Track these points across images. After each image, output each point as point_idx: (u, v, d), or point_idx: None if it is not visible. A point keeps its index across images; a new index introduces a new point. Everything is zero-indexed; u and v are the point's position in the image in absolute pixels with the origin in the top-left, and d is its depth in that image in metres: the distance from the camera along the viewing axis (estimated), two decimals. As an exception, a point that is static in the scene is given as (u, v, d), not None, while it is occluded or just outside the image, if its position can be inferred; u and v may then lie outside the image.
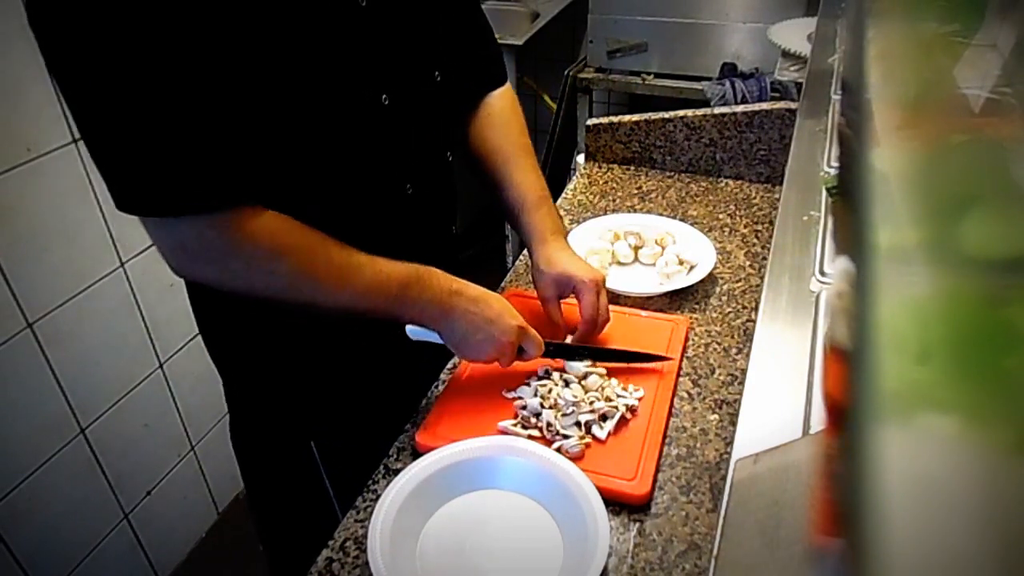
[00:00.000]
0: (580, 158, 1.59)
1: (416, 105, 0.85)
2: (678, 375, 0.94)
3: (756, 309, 0.87)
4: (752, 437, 0.56)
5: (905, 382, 0.26)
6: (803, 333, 0.67)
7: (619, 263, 1.18)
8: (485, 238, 2.61)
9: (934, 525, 0.21)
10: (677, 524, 0.76)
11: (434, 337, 0.85)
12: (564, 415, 0.84)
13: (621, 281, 1.11)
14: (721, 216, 1.31)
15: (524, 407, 0.86)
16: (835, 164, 0.94)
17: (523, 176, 0.98)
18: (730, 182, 1.43)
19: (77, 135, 1.35)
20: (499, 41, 1.04)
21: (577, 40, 2.69)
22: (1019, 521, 0.21)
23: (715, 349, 1.00)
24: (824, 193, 0.89)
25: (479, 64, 1.01)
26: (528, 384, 0.90)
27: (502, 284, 1.16)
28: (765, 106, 1.39)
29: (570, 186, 1.45)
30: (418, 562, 0.72)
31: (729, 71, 1.94)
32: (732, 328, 1.03)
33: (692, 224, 1.24)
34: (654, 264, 1.16)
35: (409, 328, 0.85)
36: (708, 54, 2.11)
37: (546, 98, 2.72)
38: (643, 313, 1.04)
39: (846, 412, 0.27)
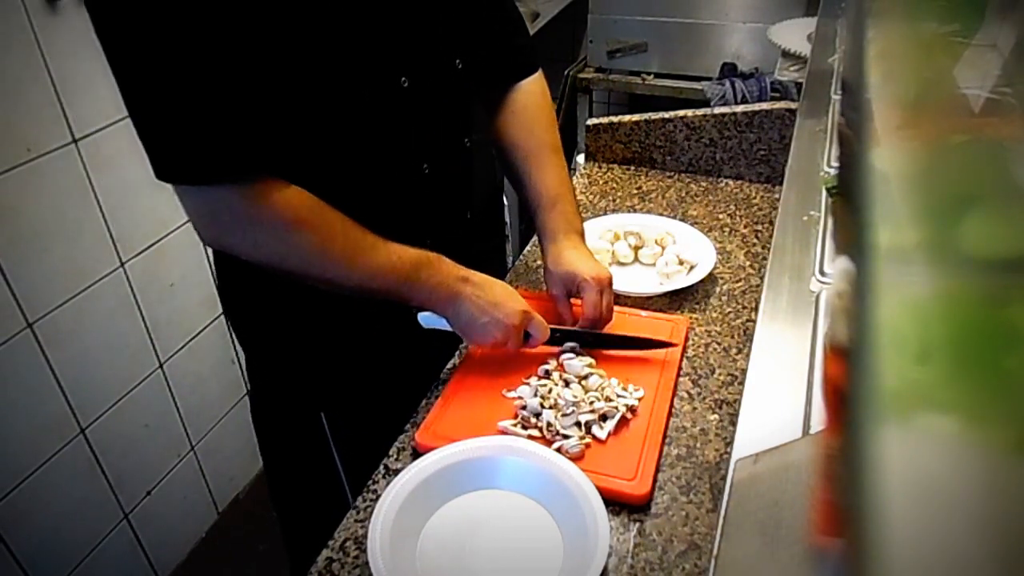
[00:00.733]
0: (580, 158, 1.59)
1: (435, 90, 0.88)
2: (678, 375, 0.94)
3: (756, 309, 0.87)
4: (752, 437, 0.57)
5: (905, 382, 0.26)
6: (803, 333, 0.67)
7: (619, 263, 1.18)
8: (485, 238, 2.61)
9: (934, 525, 0.21)
10: (677, 524, 0.76)
11: (444, 325, 0.89)
12: (564, 415, 0.84)
13: (621, 281, 1.11)
14: (721, 216, 1.31)
15: (524, 407, 0.86)
16: (835, 164, 0.94)
17: (541, 174, 1.00)
18: (730, 182, 1.43)
19: (77, 135, 1.35)
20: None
21: (577, 40, 2.69)
22: (1019, 521, 0.21)
23: (715, 349, 1.00)
24: (824, 193, 0.89)
25: (507, 53, 1.02)
26: (528, 384, 0.90)
27: (502, 284, 1.16)
28: (765, 106, 1.39)
29: (570, 186, 1.45)
30: (418, 562, 0.72)
31: (729, 71, 1.94)
32: (732, 328, 1.03)
33: (692, 224, 1.24)
34: (654, 264, 1.16)
35: (421, 316, 0.89)
36: (708, 54, 2.11)
37: (546, 98, 2.71)
38: (643, 313, 1.04)
39: (846, 412, 0.27)
